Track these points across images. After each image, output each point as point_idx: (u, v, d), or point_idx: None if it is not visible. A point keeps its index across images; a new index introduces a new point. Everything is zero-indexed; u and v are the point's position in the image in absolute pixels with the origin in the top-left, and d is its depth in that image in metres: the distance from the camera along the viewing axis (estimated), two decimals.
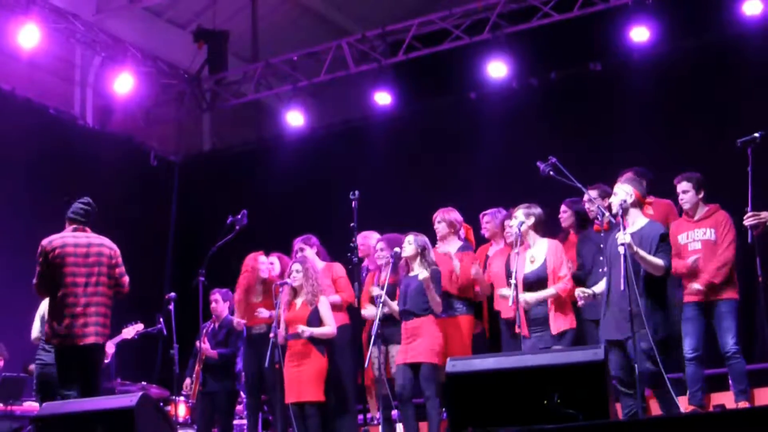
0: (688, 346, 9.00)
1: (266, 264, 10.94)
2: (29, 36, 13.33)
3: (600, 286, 8.38)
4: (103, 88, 15.45)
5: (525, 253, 8.96)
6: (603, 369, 6.01)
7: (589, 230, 9.71)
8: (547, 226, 9.37)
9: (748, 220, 7.87)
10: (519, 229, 8.92)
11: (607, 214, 9.01)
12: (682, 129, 12.70)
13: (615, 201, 8.33)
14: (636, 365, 7.85)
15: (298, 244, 10.82)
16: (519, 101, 14.20)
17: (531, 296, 8.77)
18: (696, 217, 9.21)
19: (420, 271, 9.50)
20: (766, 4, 12.45)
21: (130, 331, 11.02)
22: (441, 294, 9.52)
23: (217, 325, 11.20)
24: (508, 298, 8.83)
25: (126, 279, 9.13)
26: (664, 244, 8.13)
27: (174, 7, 15.91)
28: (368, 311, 9.99)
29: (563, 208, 10.04)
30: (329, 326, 10.01)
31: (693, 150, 12.08)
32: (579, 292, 8.40)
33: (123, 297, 9.12)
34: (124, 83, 15.00)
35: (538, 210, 9.06)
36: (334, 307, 10.26)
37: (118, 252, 9.10)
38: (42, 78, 14.66)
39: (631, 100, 13.13)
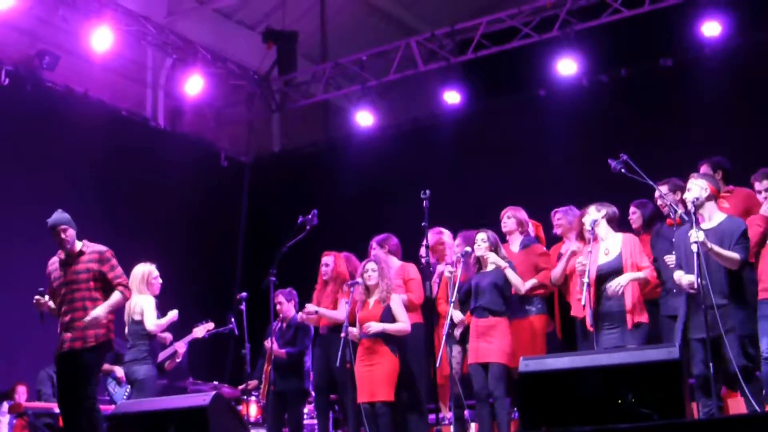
0: (764, 345, 8.84)
1: (325, 264, 10.97)
2: (102, 39, 13.48)
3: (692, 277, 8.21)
4: (174, 89, 15.58)
5: (599, 245, 8.84)
6: (679, 368, 5.93)
7: (662, 226, 9.60)
8: (621, 223, 9.28)
9: None
10: (592, 228, 8.84)
11: (679, 210, 8.91)
12: (756, 125, 12.49)
13: (689, 197, 8.20)
14: (730, 362, 7.73)
15: (373, 243, 10.81)
16: (589, 98, 14.10)
17: (624, 277, 8.52)
18: None
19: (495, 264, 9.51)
20: None
21: (200, 330, 11.05)
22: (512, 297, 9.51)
23: (284, 324, 11.22)
24: (584, 286, 8.68)
25: None
26: (743, 239, 8.02)
27: (243, 8, 16.00)
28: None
29: (632, 209, 9.94)
30: (403, 322, 9.93)
31: None
32: (686, 281, 8.21)
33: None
34: (194, 84, 15.10)
35: (611, 207, 8.96)
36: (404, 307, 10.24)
37: None
38: (114, 80, 14.82)
39: (703, 96, 12.96)
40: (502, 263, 9.45)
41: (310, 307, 10.66)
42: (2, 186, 12.70)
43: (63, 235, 9.05)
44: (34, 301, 8.92)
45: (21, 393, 11.69)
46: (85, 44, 13.55)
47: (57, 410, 11.28)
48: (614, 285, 8.51)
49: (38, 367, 11.82)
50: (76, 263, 9.06)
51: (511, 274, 9.42)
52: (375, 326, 9.80)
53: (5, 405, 11.62)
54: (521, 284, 9.50)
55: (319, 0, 15.92)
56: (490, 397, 9.42)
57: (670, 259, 8.84)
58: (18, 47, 13.47)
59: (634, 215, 9.92)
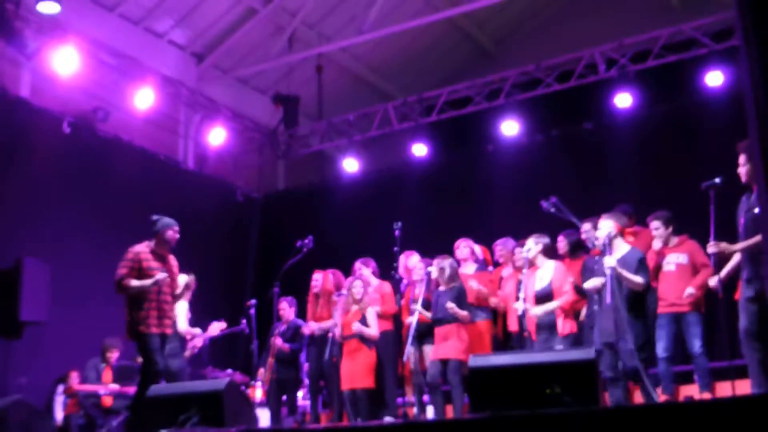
0: (660, 348, 8.96)
1: (315, 280, 11.09)
2: (144, 98, 13.51)
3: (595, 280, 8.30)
4: (201, 139, 15.55)
5: (536, 273, 8.97)
6: (594, 365, 5.95)
7: (588, 257, 9.67)
8: (554, 251, 9.38)
9: (711, 248, 7.77)
10: (527, 256, 8.98)
11: (597, 242, 9.00)
12: (658, 176, 12.58)
13: (600, 234, 8.39)
14: (622, 363, 7.91)
15: (358, 263, 10.95)
16: (527, 153, 14.14)
17: (538, 309, 8.78)
18: (669, 245, 9.18)
19: (447, 288, 9.60)
20: (725, 76, 12.43)
21: (215, 329, 10.89)
22: (467, 306, 9.56)
23: (285, 326, 11.23)
24: (519, 310, 8.91)
25: None
26: (642, 265, 8.21)
27: (258, 76, 16.04)
28: (410, 319, 10.03)
29: (560, 238, 10.04)
30: (373, 330, 10.10)
31: (667, 193, 11.92)
32: (590, 284, 8.31)
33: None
34: (217, 136, 15.12)
35: (546, 239, 9.12)
36: (378, 316, 10.31)
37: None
38: (154, 131, 14.79)
39: (617, 153, 13.04)
40: (453, 309, 9.43)
41: (311, 325, 10.83)
42: (66, 216, 12.62)
43: (178, 236, 8.98)
44: (162, 276, 8.67)
45: (74, 378, 11.58)
46: (131, 102, 13.56)
47: (101, 392, 11.24)
48: (531, 314, 8.76)
49: (87, 358, 11.70)
50: (168, 264, 8.93)
51: (459, 313, 9.43)
52: (356, 326, 10.00)
53: (60, 387, 11.54)
54: (467, 318, 9.53)
55: (316, 72, 15.95)
56: (443, 385, 9.49)
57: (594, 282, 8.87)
58: (78, 103, 13.45)
59: (561, 243, 10.02)
